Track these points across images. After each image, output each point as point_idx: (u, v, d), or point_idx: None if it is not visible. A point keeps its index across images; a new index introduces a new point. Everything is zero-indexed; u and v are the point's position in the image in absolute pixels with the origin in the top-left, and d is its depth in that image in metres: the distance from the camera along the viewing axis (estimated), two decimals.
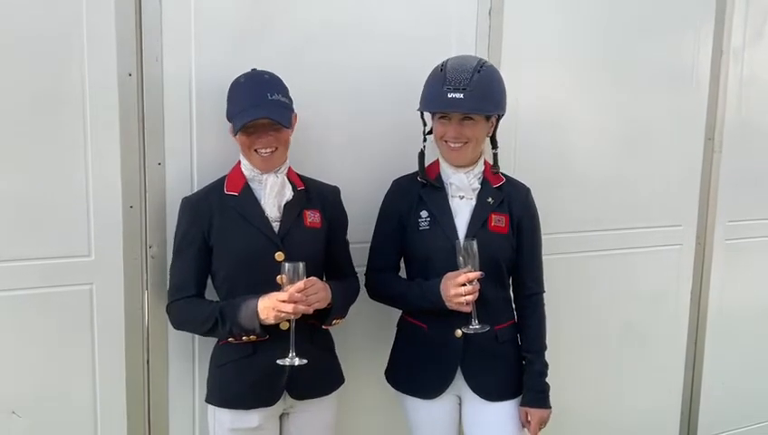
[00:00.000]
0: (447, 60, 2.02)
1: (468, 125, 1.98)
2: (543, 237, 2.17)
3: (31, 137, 1.91)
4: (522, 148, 2.53)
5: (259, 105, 1.84)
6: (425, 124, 2.10)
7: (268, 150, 1.88)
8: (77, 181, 1.97)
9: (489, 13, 2.49)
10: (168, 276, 1.98)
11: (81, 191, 1.97)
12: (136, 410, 2.11)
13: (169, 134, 2.06)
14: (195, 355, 2.16)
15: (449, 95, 1.93)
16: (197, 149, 2.09)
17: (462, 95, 1.92)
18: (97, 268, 2.01)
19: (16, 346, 1.95)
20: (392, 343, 2.20)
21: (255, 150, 1.88)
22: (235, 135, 1.87)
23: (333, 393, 2.04)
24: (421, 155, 2.09)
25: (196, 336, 2.13)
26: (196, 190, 2.06)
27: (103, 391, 2.06)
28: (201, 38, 2.06)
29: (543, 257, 2.17)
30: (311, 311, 1.81)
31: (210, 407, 1.97)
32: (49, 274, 1.96)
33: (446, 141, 2.00)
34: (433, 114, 2.04)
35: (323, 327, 1.97)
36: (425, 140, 2.10)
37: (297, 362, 1.81)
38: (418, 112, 2.09)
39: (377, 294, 2.13)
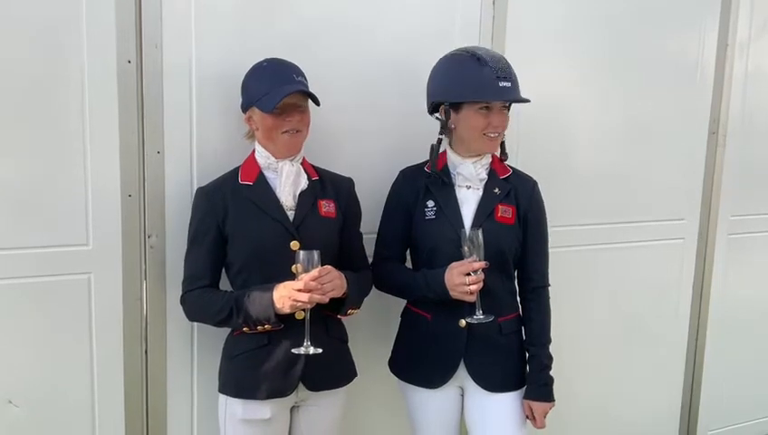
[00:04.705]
0: (474, 48, 1.99)
1: (505, 114, 1.98)
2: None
3: (28, 124, 1.89)
4: (525, 141, 2.51)
5: (289, 83, 1.83)
6: (447, 117, 2.00)
7: (295, 131, 1.87)
8: (75, 170, 1.95)
9: (493, 3, 2.47)
10: (183, 267, 1.96)
11: (79, 180, 1.96)
12: (134, 401, 2.10)
13: (169, 123, 2.04)
14: (194, 345, 2.15)
15: (500, 84, 1.91)
16: (197, 138, 2.07)
17: (510, 84, 1.93)
18: (95, 257, 2.00)
19: (13, 336, 1.94)
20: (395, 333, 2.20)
21: (284, 132, 1.86)
22: (270, 111, 1.82)
23: (345, 387, 2.03)
24: (435, 147, 2.04)
25: (196, 326, 2.12)
26: (194, 179, 2.06)
27: (101, 382, 2.05)
28: (201, 25, 2.04)
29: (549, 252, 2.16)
30: (326, 300, 1.79)
31: (222, 397, 1.96)
32: (46, 263, 1.94)
33: (484, 133, 1.97)
34: (460, 105, 1.96)
35: (338, 317, 1.96)
36: (443, 132, 2.03)
37: (312, 350, 1.80)
38: (424, 105, 2.06)
39: (382, 283, 2.12)
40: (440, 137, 2.03)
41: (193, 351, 2.15)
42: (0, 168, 1.87)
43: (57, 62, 1.89)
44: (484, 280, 1.91)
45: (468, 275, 1.89)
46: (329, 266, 1.80)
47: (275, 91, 1.81)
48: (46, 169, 1.92)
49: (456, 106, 1.97)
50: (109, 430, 2.08)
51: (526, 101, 1.95)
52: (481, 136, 1.98)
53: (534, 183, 2.13)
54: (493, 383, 2.05)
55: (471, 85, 1.94)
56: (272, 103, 1.81)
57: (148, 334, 2.10)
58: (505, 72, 1.93)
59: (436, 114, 2.05)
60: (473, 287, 1.89)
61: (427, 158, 2.11)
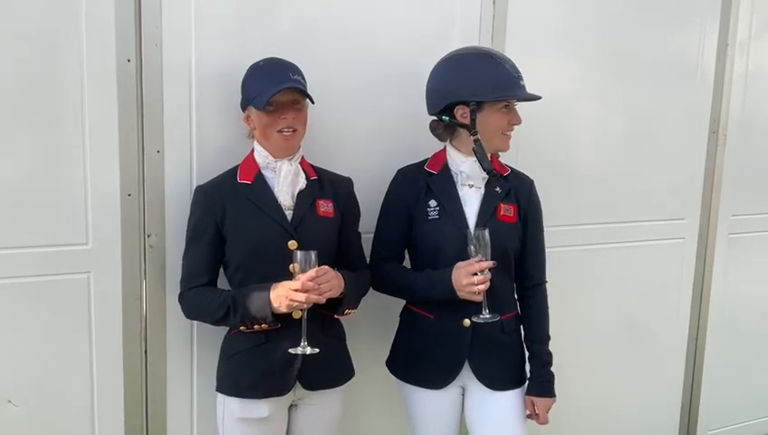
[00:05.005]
0: (481, 48, 2.02)
1: (518, 112, 2.01)
2: (546, 230, 2.16)
3: (28, 123, 1.88)
4: (525, 140, 2.51)
5: (283, 81, 1.84)
6: (474, 118, 1.96)
7: (290, 129, 1.87)
8: (75, 169, 1.95)
9: (493, 3, 2.47)
10: (181, 265, 1.96)
11: (78, 179, 1.95)
12: (133, 400, 2.10)
13: (168, 122, 2.03)
14: (193, 345, 2.15)
15: (521, 83, 1.96)
16: (197, 137, 2.07)
17: (524, 83, 1.97)
18: (95, 257, 2.00)
19: (13, 335, 1.93)
20: (394, 333, 2.19)
21: (279, 131, 1.86)
22: (262, 109, 1.83)
23: (343, 386, 2.02)
24: (479, 147, 1.98)
25: (195, 325, 2.12)
26: (194, 178, 2.05)
27: (100, 381, 2.05)
28: (201, 24, 2.04)
29: (546, 248, 2.16)
30: (323, 300, 1.80)
31: (220, 396, 1.96)
32: (46, 262, 1.94)
33: (503, 132, 1.99)
34: (482, 105, 1.95)
35: (335, 317, 1.96)
36: (476, 132, 1.97)
37: (309, 350, 1.81)
38: (424, 105, 2.05)
39: (381, 284, 2.11)
40: (477, 137, 1.98)
41: (192, 350, 2.15)
42: (0, 167, 1.87)
43: (57, 61, 1.89)
44: (490, 279, 1.91)
45: (475, 274, 1.89)
46: (326, 267, 1.80)
47: (269, 88, 1.82)
48: (46, 168, 1.92)
49: (479, 106, 1.96)
50: (108, 429, 2.07)
51: (540, 97, 1.98)
52: (501, 135, 2.00)
53: (531, 182, 2.14)
54: (496, 382, 2.05)
55: (497, 85, 1.94)
56: (263, 101, 1.82)
57: (148, 334, 2.10)
58: (519, 71, 1.97)
59: (444, 116, 2.01)
60: (481, 287, 1.88)
61: (426, 157, 2.12)
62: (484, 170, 1.99)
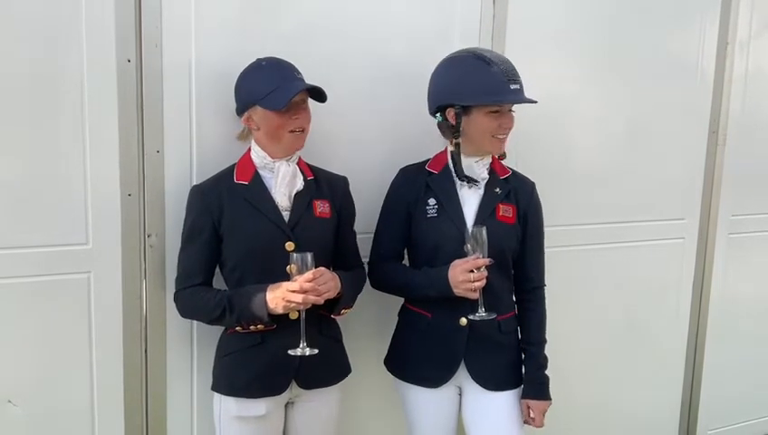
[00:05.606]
0: (479, 50, 2.00)
1: (512, 115, 2.00)
2: (546, 230, 2.16)
3: (28, 123, 1.89)
4: (525, 140, 2.51)
5: (294, 81, 1.83)
6: (459, 120, 1.97)
7: (301, 129, 1.88)
8: (75, 169, 1.95)
9: (493, 3, 2.47)
10: (177, 264, 1.96)
11: (78, 179, 1.95)
12: (134, 400, 2.10)
13: (168, 122, 2.03)
14: (193, 344, 2.15)
15: (512, 86, 1.93)
16: (197, 137, 2.07)
17: (518, 86, 1.95)
18: (95, 257, 2.00)
19: (13, 335, 1.93)
20: (392, 331, 2.19)
21: (291, 131, 1.86)
22: (281, 109, 1.81)
23: (339, 384, 2.03)
24: (456, 153, 2.00)
25: (195, 325, 2.12)
26: (194, 178, 2.05)
27: (101, 381, 2.05)
28: (202, 24, 2.04)
29: (545, 250, 2.16)
30: (321, 301, 1.80)
31: (216, 395, 1.96)
32: (46, 262, 1.94)
33: (492, 135, 1.98)
34: (470, 108, 1.95)
35: (332, 316, 1.96)
36: (459, 136, 1.99)
37: (308, 352, 1.81)
38: (423, 105, 2.06)
39: (381, 283, 2.12)
40: (458, 141, 1.99)
41: (192, 350, 2.15)
42: (0, 167, 1.87)
43: (57, 61, 1.89)
44: (486, 277, 1.91)
45: (471, 272, 1.89)
46: (322, 268, 1.80)
47: (284, 88, 1.81)
48: (46, 168, 1.92)
49: (466, 109, 1.97)
50: (108, 428, 2.08)
51: (534, 102, 1.95)
52: (491, 138, 1.99)
53: (533, 185, 2.14)
54: (492, 382, 2.05)
55: (483, 88, 1.93)
56: (283, 101, 1.80)
57: (148, 333, 2.10)
58: (513, 74, 1.95)
59: (439, 116, 2.02)
60: (477, 284, 1.89)
61: (428, 157, 2.12)
62: (456, 175, 2.01)
